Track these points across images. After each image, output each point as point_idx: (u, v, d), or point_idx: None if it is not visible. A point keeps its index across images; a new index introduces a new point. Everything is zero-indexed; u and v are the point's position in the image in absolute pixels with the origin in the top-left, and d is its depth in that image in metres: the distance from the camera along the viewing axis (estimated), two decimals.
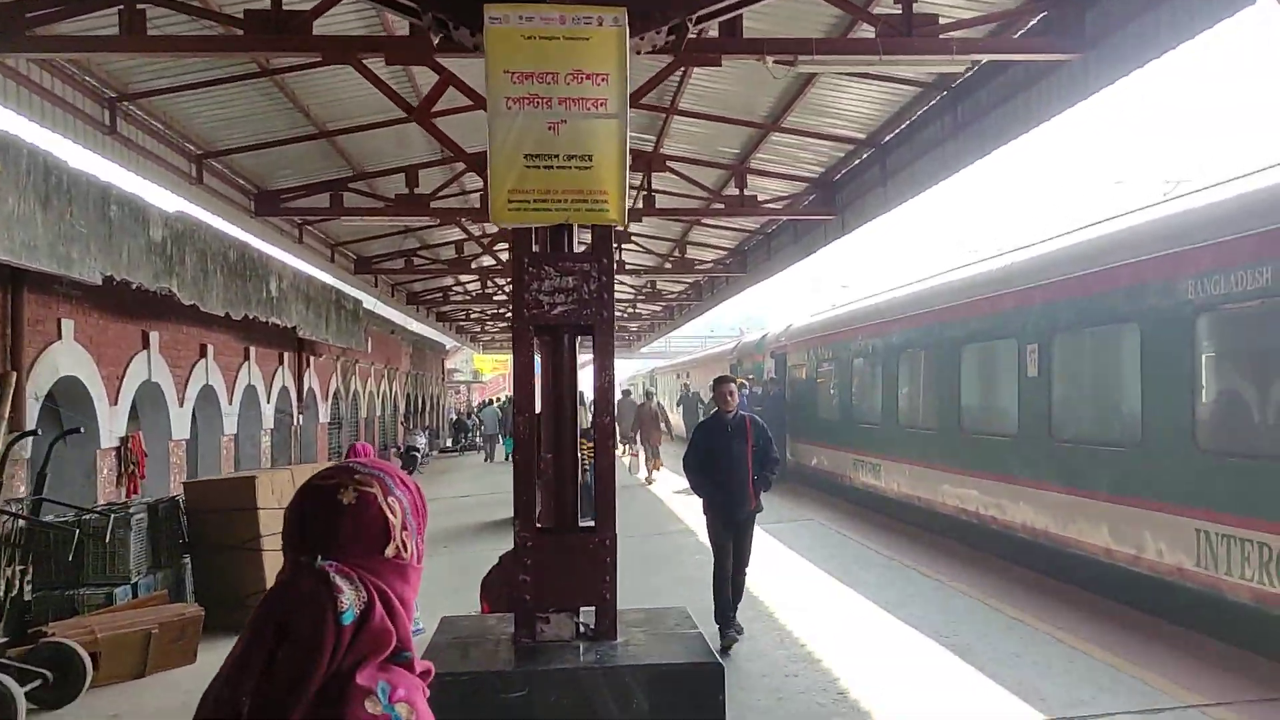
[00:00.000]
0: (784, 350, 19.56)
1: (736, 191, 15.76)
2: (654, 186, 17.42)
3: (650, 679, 4.96)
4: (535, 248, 5.76)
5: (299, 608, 1.43)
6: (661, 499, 16.80)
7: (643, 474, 21.44)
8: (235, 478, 10.35)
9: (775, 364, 20.14)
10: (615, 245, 22.50)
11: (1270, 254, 6.46)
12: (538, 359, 5.94)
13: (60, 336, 9.93)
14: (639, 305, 33.35)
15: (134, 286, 9.90)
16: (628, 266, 23.67)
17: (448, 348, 39.66)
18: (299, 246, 18.52)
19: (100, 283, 9.23)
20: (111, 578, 8.62)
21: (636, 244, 22.24)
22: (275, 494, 9.71)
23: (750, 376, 22.78)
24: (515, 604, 5.30)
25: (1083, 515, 8.54)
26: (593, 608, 5.44)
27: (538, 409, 5.81)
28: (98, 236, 9.16)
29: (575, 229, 5.80)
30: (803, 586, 9.11)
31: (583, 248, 5.94)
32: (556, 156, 5.55)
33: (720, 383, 7.72)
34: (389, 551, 1.52)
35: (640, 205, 16.15)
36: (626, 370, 61.40)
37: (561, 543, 5.53)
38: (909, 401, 12.98)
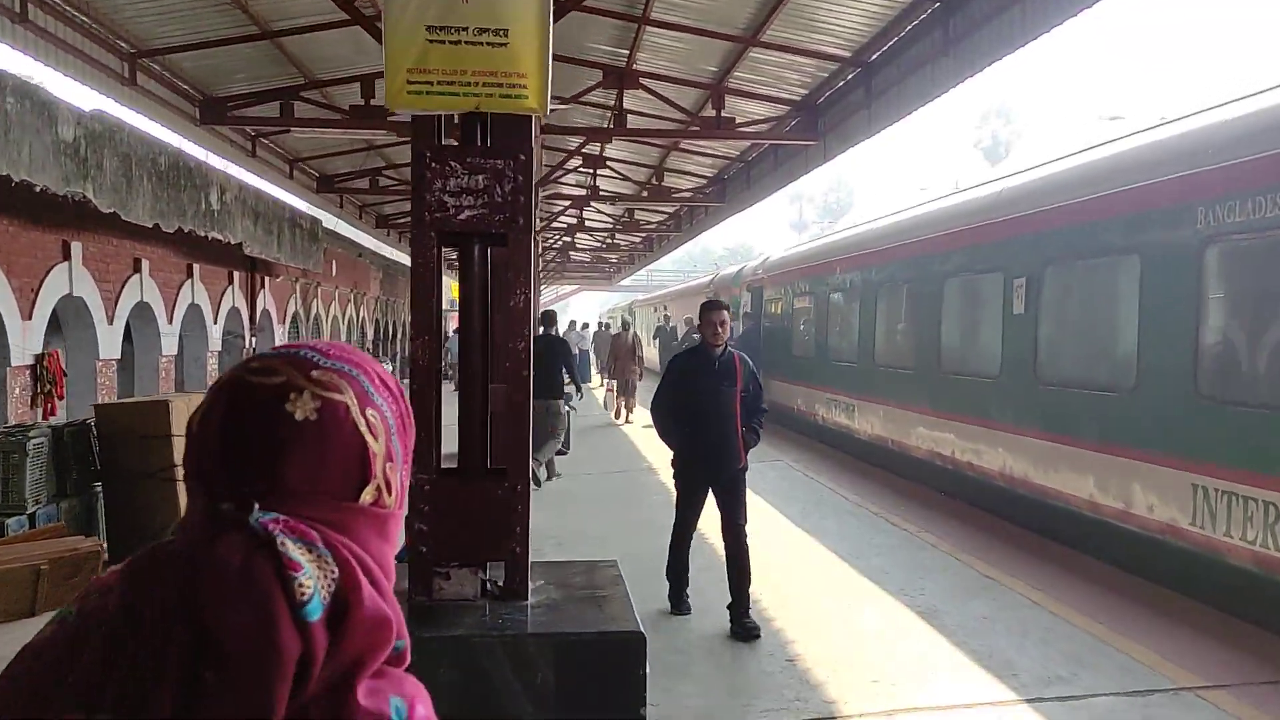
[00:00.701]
0: (760, 284, 18.67)
1: (714, 113, 14.76)
2: (626, 106, 16.37)
3: (559, 649, 4.20)
4: (440, 140, 4.85)
5: (227, 597, 0.83)
6: (631, 438, 16.01)
7: (621, 413, 19.72)
8: (147, 401, 9.48)
9: (751, 298, 19.26)
10: (589, 171, 21.49)
11: None
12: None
13: None
14: (617, 236, 32.31)
15: (38, 190, 8.89)
16: (602, 193, 22.64)
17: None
18: (253, 161, 17.42)
19: None
20: (4, 507, 7.82)
21: (612, 169, 21.20)
22: None
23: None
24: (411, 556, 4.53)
25: (1067, 465, 7.79)
26: (501, 563, 4.69)
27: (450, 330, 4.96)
28: None
29: (489, 120, 4.89)
30: (761, 534, 8.35)
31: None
32: (465, 30, 4.62)
33: (709, 309, 5.97)
34: (366, 496, 0.94)
35: (611, 125, 15.11)
36: (607, 303, 60.48)
37: (466, 488, 4.72)
38: (885, 339, 12.16)
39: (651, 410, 6.30)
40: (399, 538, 1.01)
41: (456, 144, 4.88)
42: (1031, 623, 5.87)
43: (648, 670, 4.25)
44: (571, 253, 38.59)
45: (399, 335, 31.10)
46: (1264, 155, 5.87)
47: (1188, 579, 6.42)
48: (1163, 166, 6.84)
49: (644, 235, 31.93)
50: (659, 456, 10.43)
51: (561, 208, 25.29)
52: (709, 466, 5.96)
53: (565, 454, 14.22)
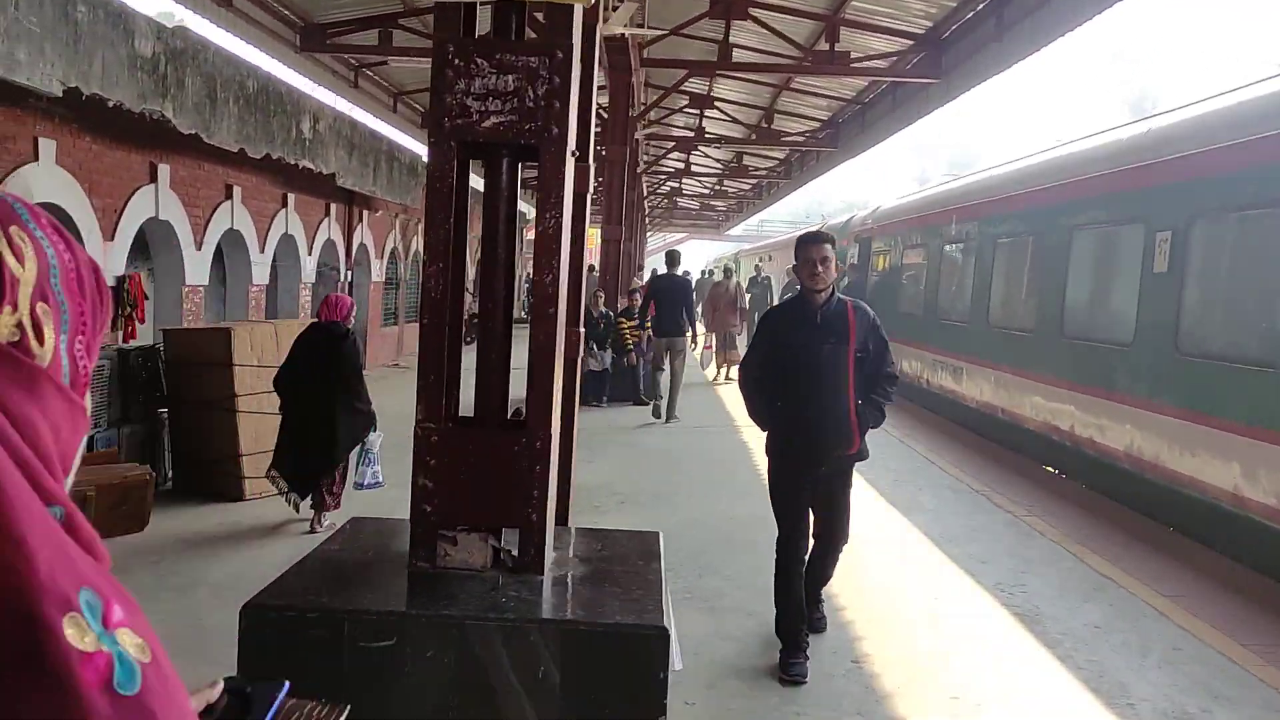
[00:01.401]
0: (869, 235, 17.43)
1: (828, 48, 13.59)
2: (734, 40, 15.29)
3: (565, 640, 3.49)
4: (465, 33, 4.10)
5: None
6: (726, 399, 14.17)
7: (712, 370, 17.75)
8: (210, 328, 9.15)
9: (859, 250, 18.05)
10: (696, 111, 20.46)
11: None
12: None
13: (37, 158, 8.71)
14: (725, 182, 31.19)
15: (112, 104, 8.55)
16: (708, 135, 21.61)
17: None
18: (355, 92, 17.10)
19: (61, 95, 7.91)
20: None
21: (720, 110, 20.15)
22: (255, 350, 8.50)
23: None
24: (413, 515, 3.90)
25: (1208, 449, 6.65)
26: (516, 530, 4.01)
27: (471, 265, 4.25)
28: (56, 39, 7.78)
29: (527, 10, 4.11)
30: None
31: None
32: None
33: (807, 243, 4.52)
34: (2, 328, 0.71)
35: (717, 60, 14.11)
36: (714, 252, 59.31)
37: (479, 442, 4.03)
38: (1001, 298, 10.96)
39: (740, 381, 4.83)
40: (68, 412, 0.77)
41: (487, 37, 4.11)
42: (1155, 637, 4.89)
43: (675, 669, 3.54)
44: (679, 199, 37.62)
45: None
46: None
47: None
48: None
49: (753, 182, 30.74)
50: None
51: (665, 150, 24.32)
52: (807, 452, 4.47)
53: (646, 404, 13.52)
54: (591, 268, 31.78)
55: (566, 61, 3.90)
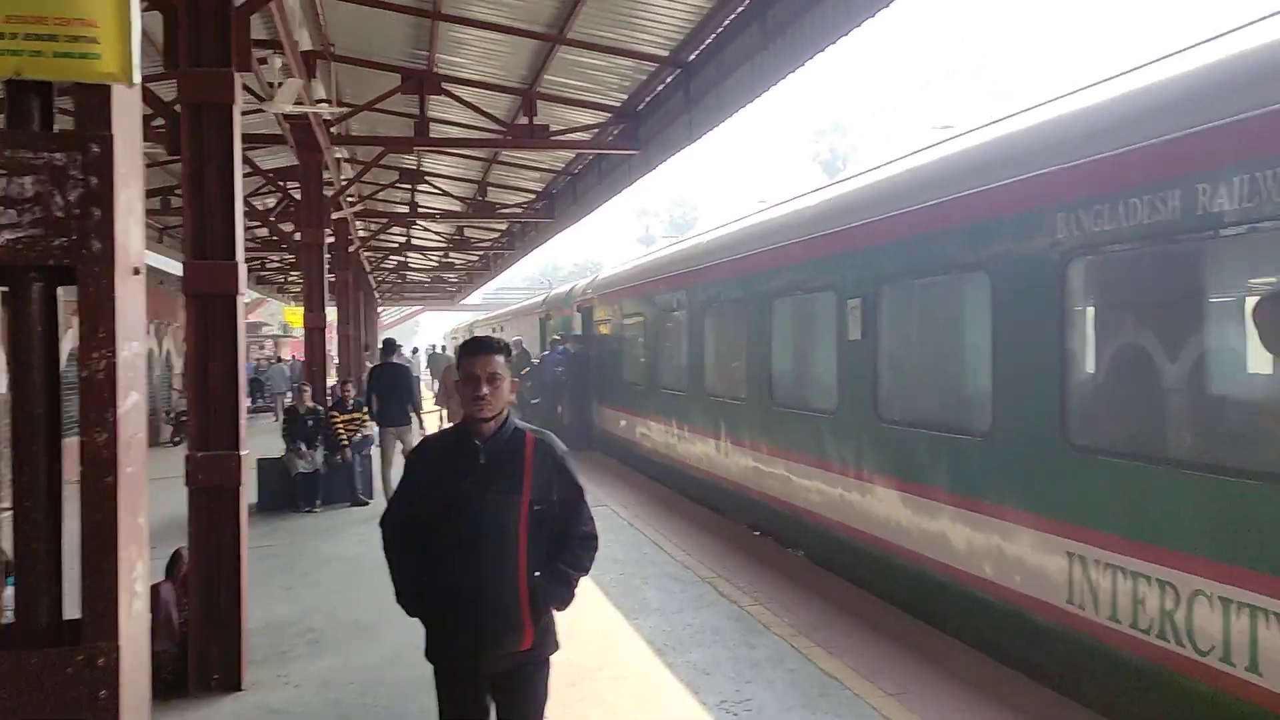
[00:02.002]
0: (590, 304, 17.16)
1: (527, 121, 13.19)
2: (432, 114, 14.59)
3: None
4: None
5: None
6: None
7: None
8: None
9: (583, 318, 17.73)
10: (409, 186, 19.57)
11: (1174, 172, 4.42)
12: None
13: None
14: (451, 255, 30.31)
15: None
16: (421, 209, 20.74)
17: (246, 300, 35.52)
18: None
19: None
20: None
21: (432, 185, 19.35)
22: None
23: (559, 334, 20.34)
24: None
25: (915, 517, 6.52)
26: None
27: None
28: None
29: (54, 93, 3.15)
30: (567, 616, 6.78)
31: None
32: None
33: (470, 355, 3.40)
34: None
35: (413, 134, 13.33)
36: (453, 322, 58.16)
37: (15, 666, 2.95)
38: (715, 366, 10.80)
39: (383, 542, 3.55)
40: None
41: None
42: None
43: None
44: (408, 272, 36.28)
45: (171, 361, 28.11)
46: (1136, 146, 4.68)
47: (1078, 677, 5.18)
48: (1013, 164, 5.62)
49: (480, 254, 30.09)
50: None
51: (380, 226, 23.15)
52: (467, 645, 3.34)
53: (366, 504, 12.34)
54: (292, 361, 29.88)
55: (106, 156, 2.96)
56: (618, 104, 13.30)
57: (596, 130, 14.13)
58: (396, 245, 27.62)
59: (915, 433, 6.58)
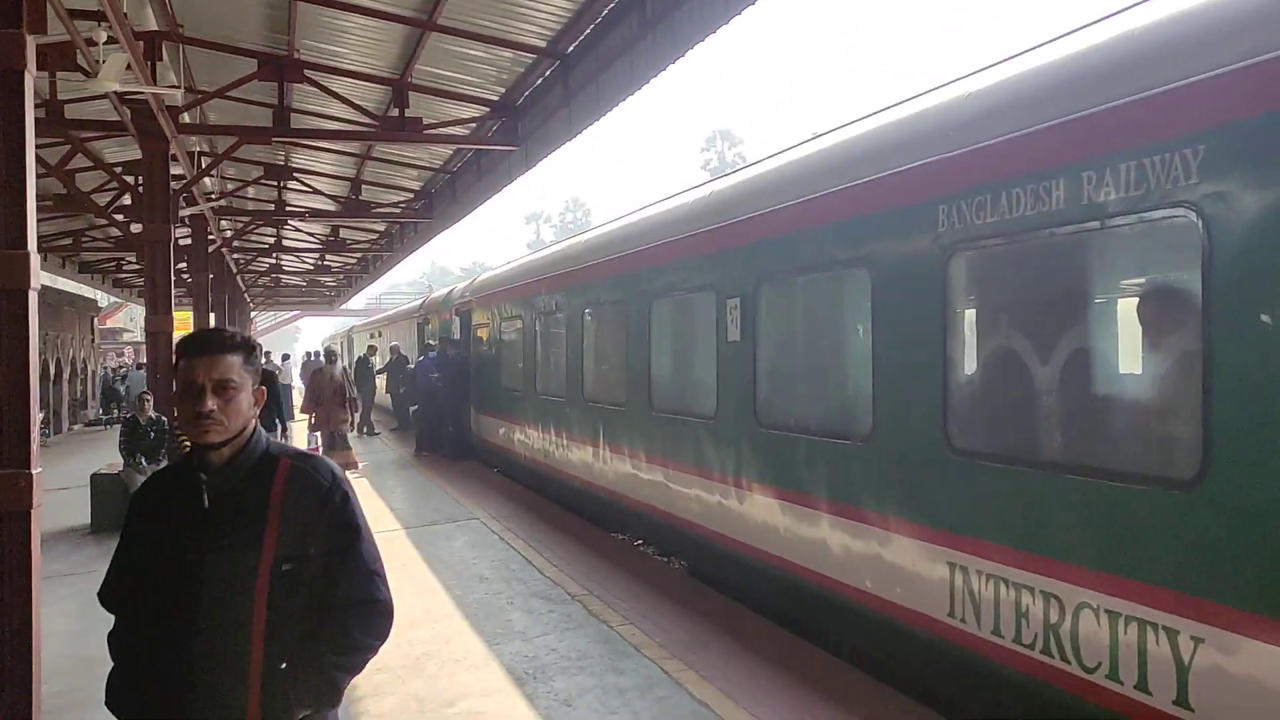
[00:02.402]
0: (469, 307, 16.48)
1: (398, 113, 12.50)
2: (297, 104, 13.73)
3: None
4: None
5: None
6: None
7: None
8: None
9: (461, 323, 17.03)
10: (275, 183, 18.52)
11: (1059, 161, 4.17)
12: None
13: None
14: (327, 257, 29.07)
15: None
16: (290, 208, 19.69)
17: (103, 305, 33.36)
18: None
19: None
20: None
21: (302, 183, 18.35)
22: None
23: (436, 340, 19.57)
24: None
25: (796, 527, 6.18)
26: None
27: None
28: None
29: None
30: (421, 643, 6.18)
31: None
32: None
33: (190, 356, 2.43)
34: None
35: (273, 125, 12.48)
36: (334, 327, 56.08)
37: None
38: (594, 371, 10.34)
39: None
40: None
41: None
42: None
43: None
44: (281, 275, 34.71)
45: (64, 376, 26.23)
46: (1026, 131, 4.42)
47: (962, 695, 4.89)
48: (890, 155, 5.34)
49: (358, 256, 28.95)
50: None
51: (243, 225, 21.91)
52: None
53: None
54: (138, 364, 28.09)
55: None
56: (495, 98, 12.74)
57: (474, 125, 13.54)
58: (266, 246, 26.27)
59: (795, 438, 6.25)
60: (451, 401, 16.35)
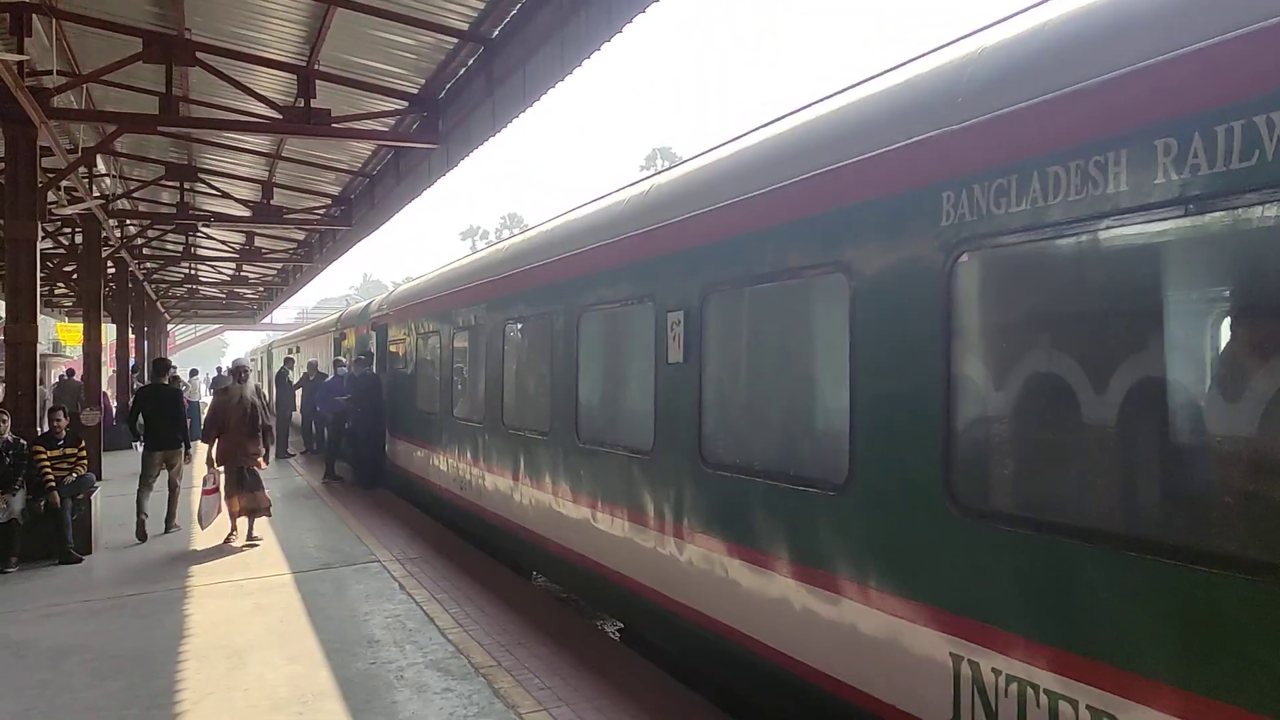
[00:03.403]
0: (385, 321, 15.07)
1: (303, 103, 11.16)
2: (194, 93, 12.30)
3: None
4: None
5: None
6: (238, 599, 7.95)
7: (217, 526, 10.91)
8: None
9: (376, 338, 15.61)
10: (177, 184, 16.92)
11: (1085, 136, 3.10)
12: None
13: None
14: (244, 268, 27.30)
15: None
16: (195, 212, 18.06)
17: None
18: None
19: None
20: None
21: (209, 185, 16.79)
22: None
23: (346, 357, 18.08)
24: None
25: (748, 583, 5.02)
26: None
27: None
28: None
29: None
30: None
31: None
32: None
33: None
34: None
35: (159, 112, 11.02)
36: (256, 343, 53.66)
37: None
38: (515, 395, 9.09)
39: None
40: None
41: None
42: None
43: None
44: (199, 286, 32.71)
45: None
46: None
47: None
48: (878, 132, 4.23)
49: (278, 266, 27.23)
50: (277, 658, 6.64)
51: (143, 226, 20.16)
52: None
53: (79, 561, 9.86)
54: (61, 380, 25.83)
55: None
56: (415, 90, 11.48)
57: (394, 121, 12.26)
58: (176, 254, 24.46)
59: (751, 482, 5.10)
60: (364, 424, 14.89)
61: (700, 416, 5.59)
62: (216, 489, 10.89)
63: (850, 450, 4.25)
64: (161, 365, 12.93)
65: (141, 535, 11.03)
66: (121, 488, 15.27)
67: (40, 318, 35.26)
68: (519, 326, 8.99)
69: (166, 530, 11.52)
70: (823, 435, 4.69)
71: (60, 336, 40.17)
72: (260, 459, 11.06)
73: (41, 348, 41.23)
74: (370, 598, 7.77)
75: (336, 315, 21.82)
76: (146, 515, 11.19)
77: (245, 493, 10.84)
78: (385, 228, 17.98)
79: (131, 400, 12.56)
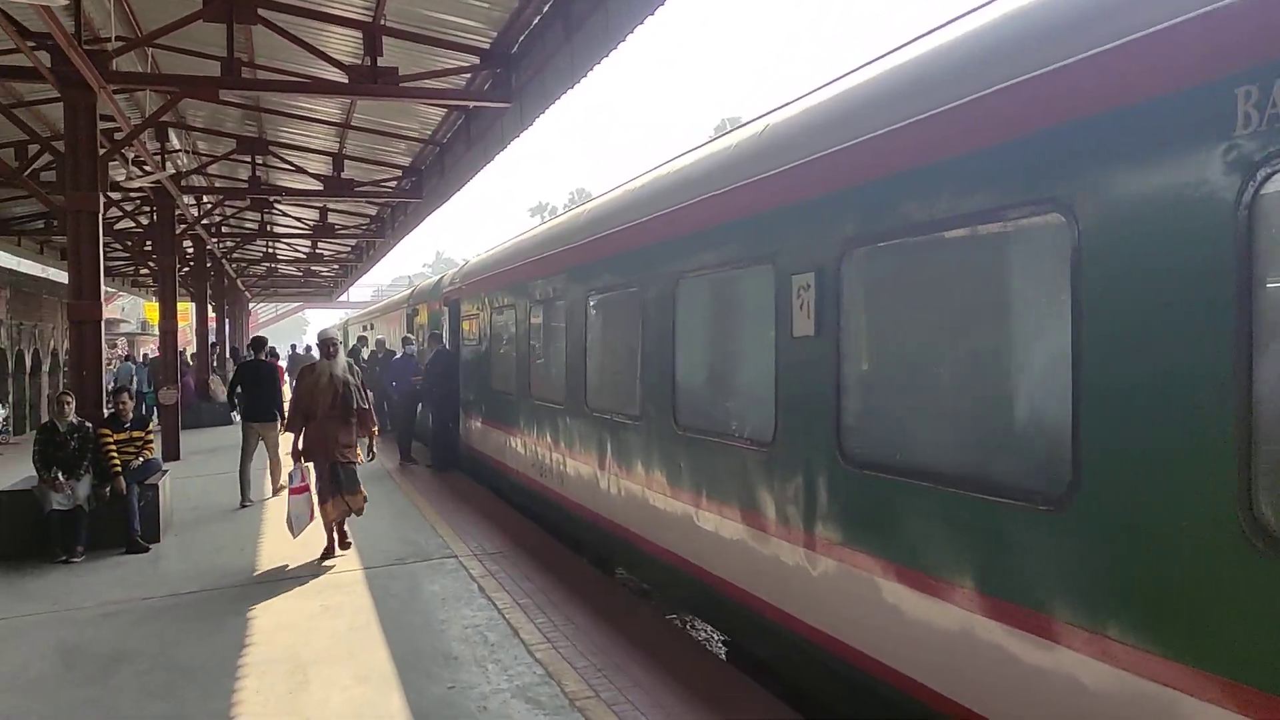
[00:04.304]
0: (458, 296, 14.20)
1: (369, 62, 10.26)
2: (253, 58, 11.49)
3: None
4: None
5: None
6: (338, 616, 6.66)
7: (311, 534, 8.68)
8: None
9: (449, 314, 14.75)
10: (250, 159, 16.26)
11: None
12: None
13: None
14: (319, 245, 26.82)
15: None
16: (264, 185, 17.42)
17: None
18: None
19: None
20: None
21: (279, 158, 16.10)
22: None
23: (416, 334, 17.30)
24: None
25: (921, 623, 3.94)
26: None
27: None
28: None
29: None
30: None
31: None
32: None
33: None
34: None
35: (221, 74, 10.22)
36: (328, 320, 53.80)
37: None
38: (602, 375, 8.08)
39: None
40: None
41: None
42: None
43: None
44: (277, 264, 32.49)
45: (42, 368, 24.02)
46: None
47: None
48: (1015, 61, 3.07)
49: (352, 242, 26.72)
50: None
51: (215, 202, 19.63)
52: None
53: (146, 550, 9.19)
54: (145, 359, 25.60)
55: None
56: (486, 44, 10.49)
57: (465, 81, 11.27)
58: (251, 231, 24.03)
59: (917, 488, 4.00)
60: (437, 405, 14.06)
61: (838, 400, 4.48)
62: (307, 486, 8.67)
63: (1073, 455, 3.12)
64: (259, 342, 13.27)
65: (246, 502, 11.50)
66: (196, 468, 14.76)
67: (129, 297, 35.51)
68: (604, 297, 7.96)
69: (274, 494, 11.89)
70: (1027, 432, 3.54)
71: (147, 315, 40.61)
72: (357, 451, 8.82)
73: (129, 326, 41.86)
74: (447, 601, 6.86)
75: (410, 291, 21.11)
76: (248, 483, 11.66)
77: (339, 495, 8.52)
78: (456, 204, 17.13)
79: (231, 375, 12.92)
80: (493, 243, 17.10)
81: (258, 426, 11.78)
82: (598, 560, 8.33)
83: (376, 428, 9.35)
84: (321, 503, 8.62)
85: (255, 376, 11.98)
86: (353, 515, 8.80)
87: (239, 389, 12.05)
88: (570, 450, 8.57)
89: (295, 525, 8.57)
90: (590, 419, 7.99)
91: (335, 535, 8.69)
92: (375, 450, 9.35)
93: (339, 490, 8.55)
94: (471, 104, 11.57)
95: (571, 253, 8.60)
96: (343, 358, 9.09)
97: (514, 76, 10.46)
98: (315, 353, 10.47)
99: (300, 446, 8.65)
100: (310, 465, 8.68)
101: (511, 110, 10.78)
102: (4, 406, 19.43)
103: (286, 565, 8.33)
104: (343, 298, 49.40)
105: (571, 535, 8.87)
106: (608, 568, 8.32)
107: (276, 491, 11.75)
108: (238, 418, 12.88)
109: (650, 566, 6.90)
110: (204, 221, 19.99)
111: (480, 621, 6.36)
